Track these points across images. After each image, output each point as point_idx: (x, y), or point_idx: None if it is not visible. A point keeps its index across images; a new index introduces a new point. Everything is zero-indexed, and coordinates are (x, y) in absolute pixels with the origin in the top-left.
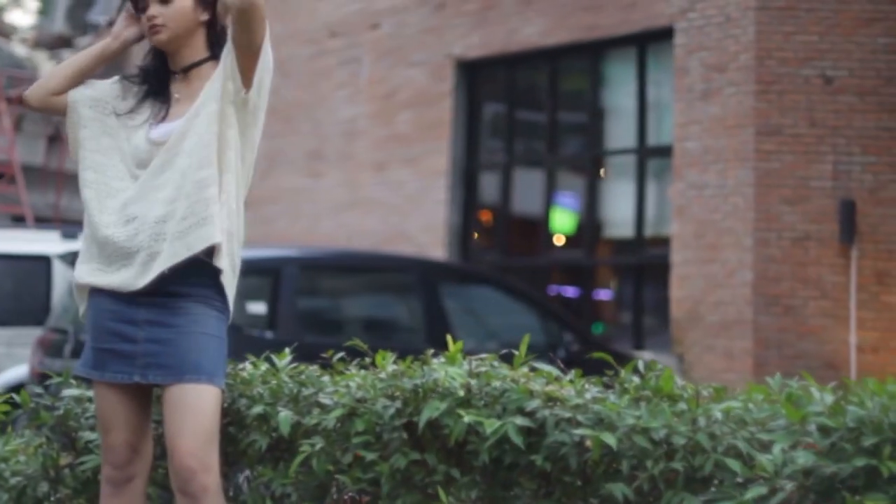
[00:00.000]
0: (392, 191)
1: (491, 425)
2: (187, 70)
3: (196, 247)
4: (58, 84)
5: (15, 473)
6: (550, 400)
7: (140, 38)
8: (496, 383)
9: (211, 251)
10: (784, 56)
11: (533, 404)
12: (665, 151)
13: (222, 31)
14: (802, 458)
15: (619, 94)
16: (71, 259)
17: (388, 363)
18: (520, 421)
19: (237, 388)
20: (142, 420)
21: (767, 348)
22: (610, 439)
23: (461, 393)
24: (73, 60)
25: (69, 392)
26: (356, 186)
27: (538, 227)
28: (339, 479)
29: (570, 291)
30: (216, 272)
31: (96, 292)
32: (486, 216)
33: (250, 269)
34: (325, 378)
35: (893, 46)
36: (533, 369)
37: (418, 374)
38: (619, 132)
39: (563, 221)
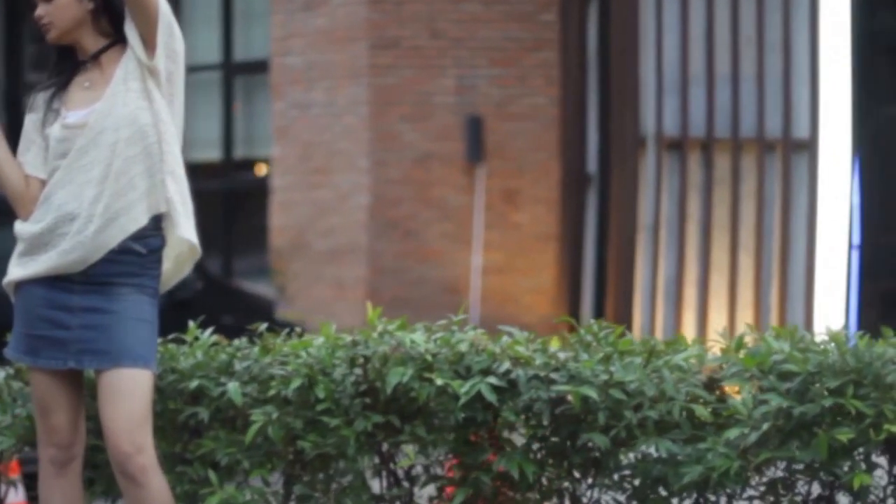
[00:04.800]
0: None
1: (459, 386)
2: (96, 57)
3: (128, 228)
4: (15, 188)
5: None
6: (515, 360)
7: None
8: (461, 347)
9: (140, 236)
10: None
11: (504, 366)
12: (259, 67)
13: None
14: (775, 401)
15: (199, 4)
16: None
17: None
18: (491, 381)
19: (165, 364)
20: (79, 401)
21: (383, 275)
22: (591, 392)
23: (428, 358)
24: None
25: None
26: None
27: None
28: (299, 445)
29: None
30: (148, 256)
31: (27, 281)
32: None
33: None
34: (254, 350)
35: None
36: None
37: (376, 341)
38: (199, 46)
39: None
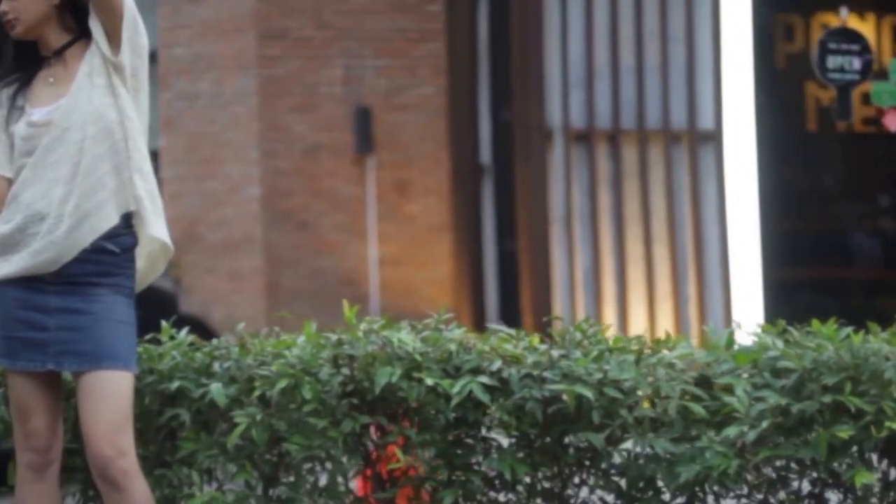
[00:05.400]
0: None
1: (450, 386)
2: (60, 53)
3: (100, 228)
4: None
5: None
6: (506, 359)
7: None
8: (451, 346)
9: (113, 234)
10: None
11: (495, 364)
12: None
13: (86, 7)
14: (773, 398)
15: None
16: None
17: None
18: (482, 380)
19: (143, 364)
20: (58, 403)
21: (280, 267)
22: (587, 391)
23: (418, 357)
24: None
25: None
26: None
27: None
28: (283, 447)
29: None
30: (122, 255)
31: (1, 283)
32: None
33: None
34: (234, 350)
35: None
36: None
37: (363, 341)
38: None
39: None
